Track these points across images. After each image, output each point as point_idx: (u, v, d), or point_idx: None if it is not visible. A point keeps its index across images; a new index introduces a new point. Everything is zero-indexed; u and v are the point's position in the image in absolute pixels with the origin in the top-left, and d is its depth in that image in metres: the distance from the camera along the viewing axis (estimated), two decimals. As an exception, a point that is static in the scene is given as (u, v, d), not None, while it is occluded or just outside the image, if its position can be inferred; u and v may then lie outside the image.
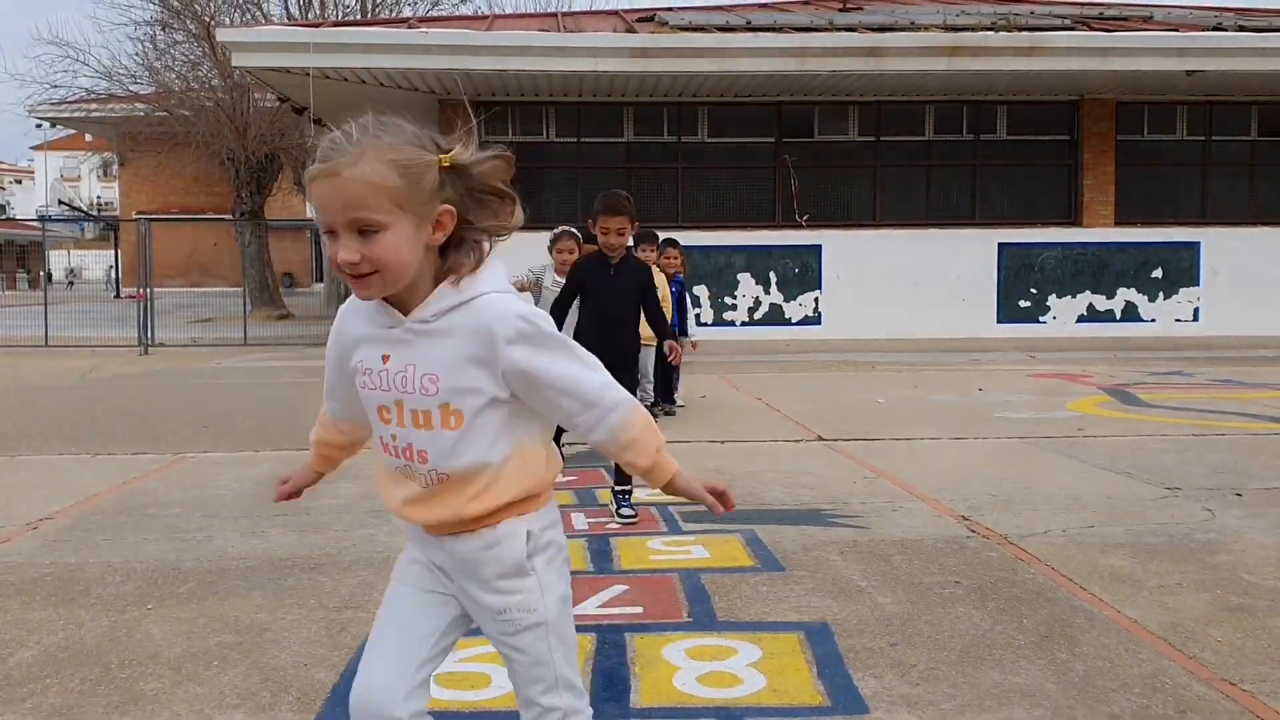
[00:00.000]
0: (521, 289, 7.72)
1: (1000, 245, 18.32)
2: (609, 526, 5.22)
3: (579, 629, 3.65)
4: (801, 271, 18.16)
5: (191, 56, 27.54)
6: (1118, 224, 18.50)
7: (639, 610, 3.94)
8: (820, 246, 18.13)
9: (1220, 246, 18.40)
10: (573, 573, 4.39)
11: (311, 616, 3.88)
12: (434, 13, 29.12)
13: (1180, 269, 18.50)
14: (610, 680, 3.26)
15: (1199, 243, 18.44)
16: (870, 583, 4.23)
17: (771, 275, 18.11)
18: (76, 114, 33.58)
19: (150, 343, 17.93)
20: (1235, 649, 3.48)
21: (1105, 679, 3.23)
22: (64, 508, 5.68)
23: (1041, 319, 18.43)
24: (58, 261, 51.68)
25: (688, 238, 17.24)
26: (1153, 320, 18.47)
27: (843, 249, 18.12)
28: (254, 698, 3.15)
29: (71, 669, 3.38)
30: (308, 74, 15.95)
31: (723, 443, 7.67)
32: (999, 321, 18.34)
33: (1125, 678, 3.24)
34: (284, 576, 4.38)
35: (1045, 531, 4.98)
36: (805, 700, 3.12)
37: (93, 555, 4.72)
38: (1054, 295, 18.46)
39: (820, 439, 7.80)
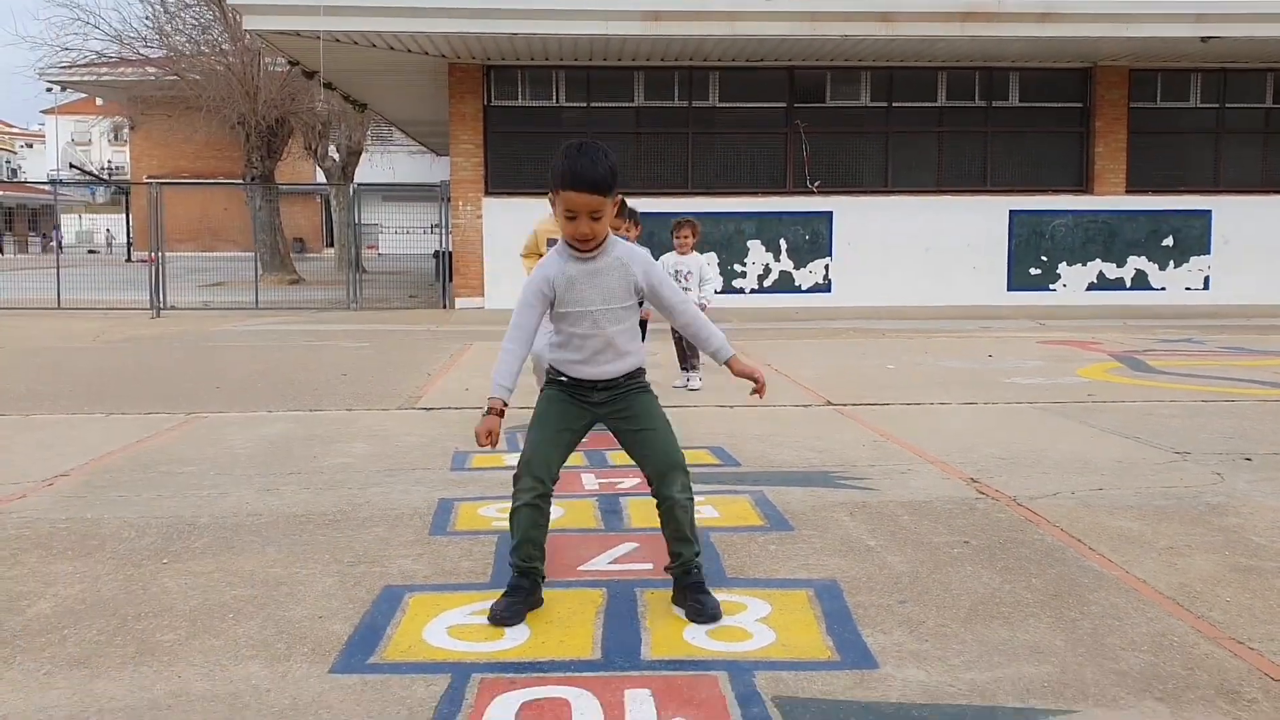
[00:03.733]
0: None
1: (1011, 212, 18.27)
2: (619, 486, 5.24)
3: (590, 584, 3.70)
4: (812, 238, 18.13)
5: (201, 20, 27.47)
6: (1129, 192, 18.43)
7: (649, 566, 3.96)
8: (831, 213, 18.09)
9: (1232, 215, 18.33)
10: (582, 531, 4.43)
11: (326, 571, 3.91)
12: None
13: (1191, 237, 18.43)
14: (620, 633, 3.29)
15: (1210, 211, 18.37)
16: (879, 542, 4.25)
17: (782, 242, 18.08)
18: (87, 78, 33.59)
19: (162, 306, 17.99)
20: (1243, 608, 3.50)
21: (1113, 637, 3.26)
22: (78, 465, 5.72)
23: (1052, 287, 18.39)
24: (69, 226, 51.73)
25: (698, 204, 17.26)
26: (1163, 289, 18.42)
27: (854, 216, 18.08)
28: (269, 649, 3.19)
29: (89, 620, 3.42)
30: (318, 37, 15.89)
31: (731, 407, 7.69)
32: (1009, 289, 18.31)
33: (1133, 636, 3.26)
34: (298, 532, 4.42)
35: (1054, 494, 5.00)
36: (814, 655, 3.15)
37: (108, 511, 4.76)
38: (1064, 263, 18.42)
39: (829, 404, 7.82)
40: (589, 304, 3.48)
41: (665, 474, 3.49)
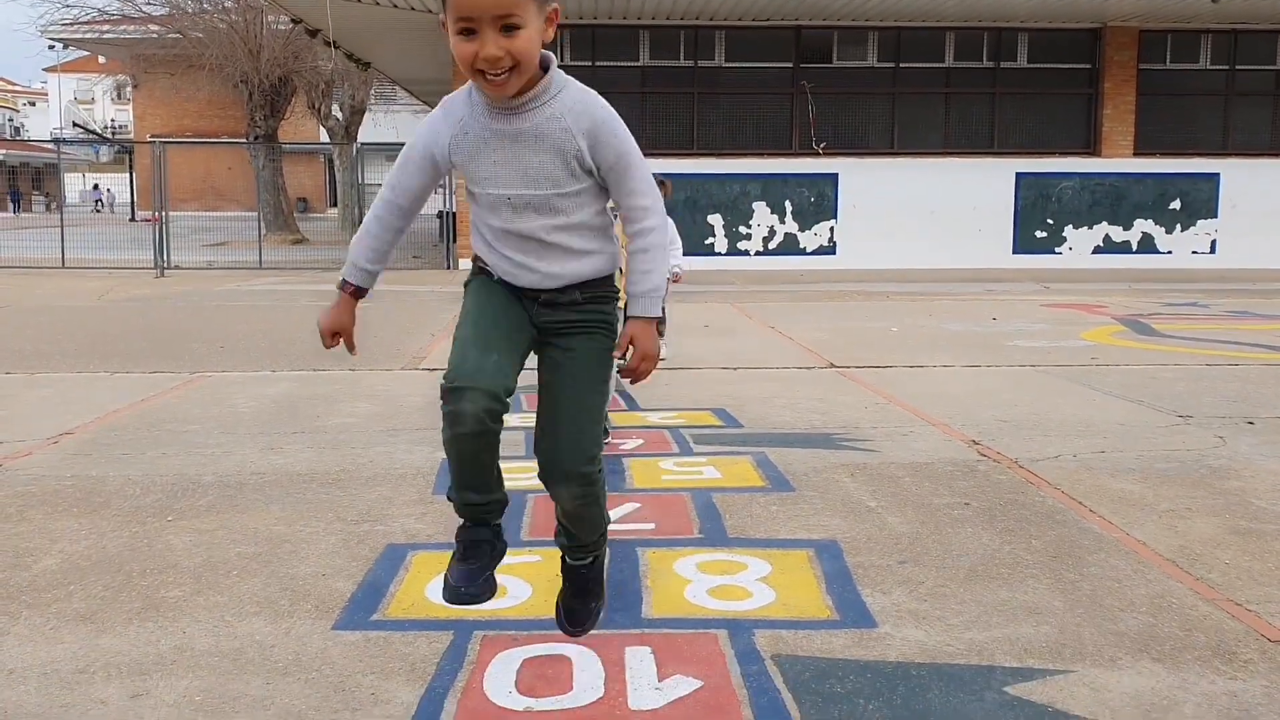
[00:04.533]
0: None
1: (1018, 175, 18.17)
2: (621, 448, 5.26)
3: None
4: (817, 200, 18.06)
5: (204, -24, 27.26)
6: (1137, 154, 18.32)
7: (651, 526, 3.99)
8: (837, 175, 18.01)
9: (1240, 178, 18.22)
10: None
11: (330, 529, 3.93)
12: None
13: (1199, 201, 18.34)
14: (622, 591, 3.31)
15: (1218, 174, 18.27)
16: (880, 503, 4.27)
17: (787, 204, 18.01)
18: (89, 35, 33.37)
19: (166, 265, 17.98)
20: (1242, 571, 3.52)
21: (1112, 598, 3.27)
22: (83, 424, 5.74)
23: (1057, 250, 18.33)
24: (73, 184, 51.63)
25: (703, 165, 17.20)
26: (1169, 252, 18.36)
27: (859, 178, 18.00)
28: (273, 605, 3.21)
29: (95, 576, 3.45)
30: (322, -6, 15.77)
31: (734, 369, 7.69)
32: (1014, 252, 18.25)
33: (1132, 597, 3.28)
34: (302, 491, 4.44)
35: (1056, 456, 5.01)
36: (814, 614, 3.17)
37: (113, 469, 4.78)
38: (1070, 226, 18.34)
39: (832, 366, 7.82)
40: (502, 185, 2.34)
41: (551, 473, 2.46)
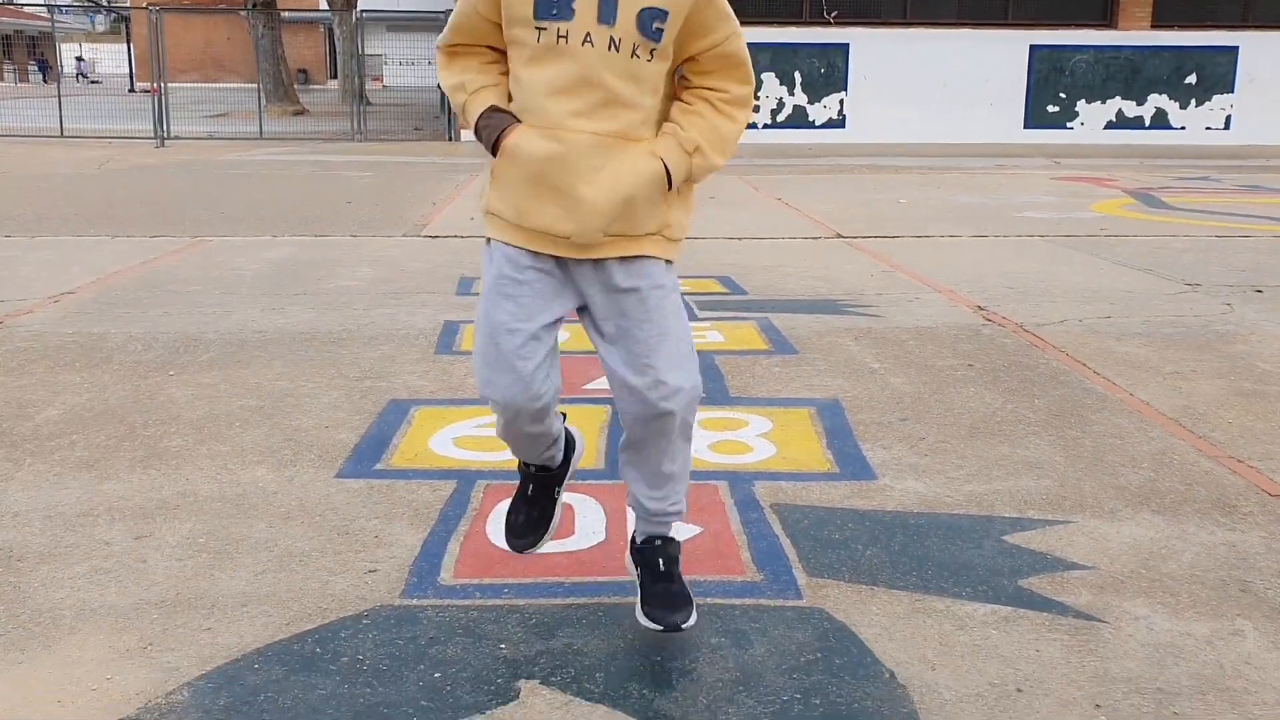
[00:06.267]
0: None
1: (1032, 47, 17.75)
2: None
3: (595, 402, 3.69)
4: (828, 72, 17.70)
5: None
6: (1154, 26, 17.87)
7: (654, 385, 3.97)
8: (848, 46, 17.61)
9: (1259, 51, 17.79)
10: (588, 353, 4.41)
11: (332, 385, 3.93)
12: None
13: (1215, 75, 17.95)
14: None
15: (1237, 47, 17.84)
16: (883, 365, 4.25)
17: (796, 75, 17.65)
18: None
19: (166, 136, 17.75)
20: (1245, 430, 3.51)
21: (1114, 455, 3.27)
22: (84, 284, 5.71)
23: (1069, 125, 18.01)
24: (69, 54, 50.70)
25: (711, 34, 16.77)
26: (1183, 128, 18.03)
27: (871, 49, 17.60)
28: (276, 454, 3.22)
29: (97, 427, 3.46)
30: None
31: (740, 239, 7.61)
32: (1026, 127, 17.93)
33: (1134, 454, 3.28)
34: (304, 349, 4.42)
35: (1061, 321, 4.98)
36: (814, 467, 3.18)
37: (114, 326, 4.76)
38: (1083, 101, 17.99)
39: (839, 236, 7.75)
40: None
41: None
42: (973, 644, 2.20)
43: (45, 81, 39.12)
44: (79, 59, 34.02)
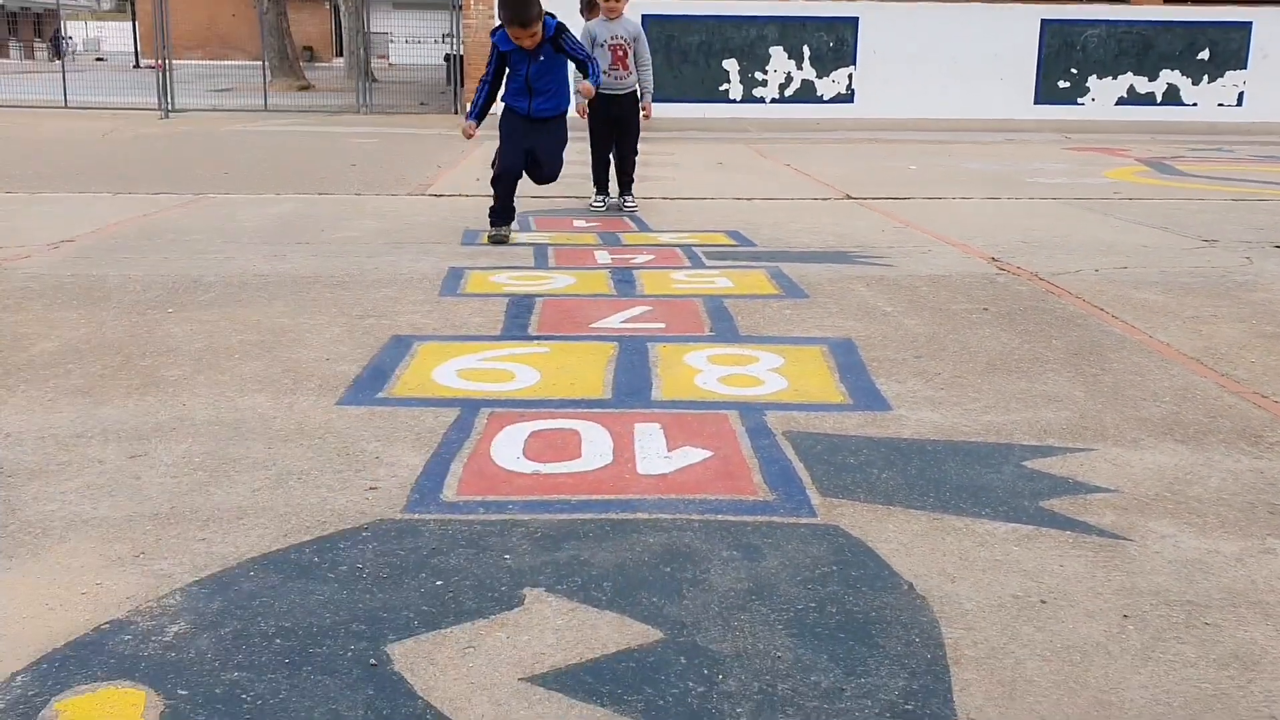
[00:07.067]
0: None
1: (1043, 22, 17.58)
2: (633, 261, 5.14)
3: (602, 338, 3.62)
4: (836, 46, 17.54)
5: None
6: (1167, 1, 17.70)
7: (661, 326, 3.90)
8: (857, 19, 17.45)
9: (1273, 27, 17.60)
10: (595, 296, 4.34)
11: (334, 322, 3.85)
12: None
13: (1228, 51, 17.77)
14: (631, 379, 3.23)
15: (1251, 23, 17.65)
16: (896, 308, 4.17)
17: (805, 49, 17.49)
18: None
19: (171, 108, 17.64)
20: (1268, 368, 3.42)
21: (1135, 390, 3.19)
22: (85, 233, 5.63)
23: (1080, 101, 17.84)
24: (75, 32, 50.49)
25: (718, 7, 16.66)
26: (1194, 104, 17.86)
27: (880, 22, 17.43)
28: (275, 384, 3.14)
29: (93, 358, 3.38)
30: None
31: (749, 199, 7.52)
32: (1036, 102, 17.76)
33: (1155, 389, 3.20)
34: (306, 290, 4.35)
35: (1077, 271, 4.89)
36: (827, 399, 3.10)
37: (113, 269, 4.69)
38: (1094, 76, 17.82)
39: (849, 197, 7.65)
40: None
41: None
42: (994, 559, 2.13)
43: (50, 60, 38.84)
44: (56, 32, 33.63)
